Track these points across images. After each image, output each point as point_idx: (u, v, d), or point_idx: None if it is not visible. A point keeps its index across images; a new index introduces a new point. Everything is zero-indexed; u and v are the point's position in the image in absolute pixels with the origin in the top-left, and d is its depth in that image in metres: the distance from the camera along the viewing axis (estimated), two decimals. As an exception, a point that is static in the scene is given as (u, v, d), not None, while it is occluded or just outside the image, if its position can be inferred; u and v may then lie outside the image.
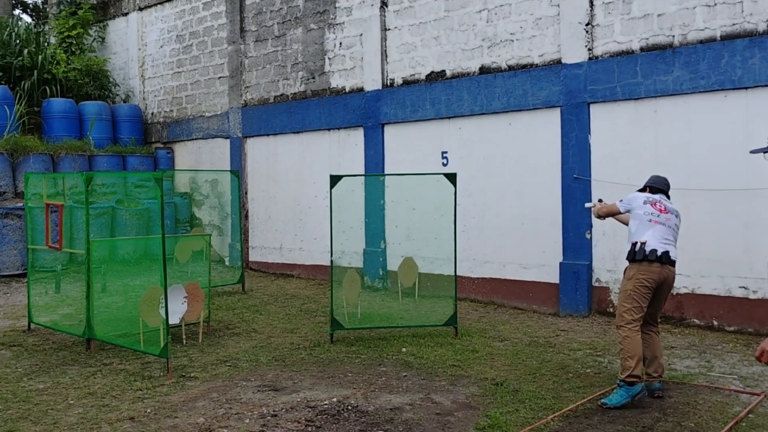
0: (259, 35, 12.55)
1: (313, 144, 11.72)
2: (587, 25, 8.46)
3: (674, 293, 7.78)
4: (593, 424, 4.79)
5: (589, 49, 8.48)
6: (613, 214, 5.77)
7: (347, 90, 11.16)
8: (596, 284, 8.50)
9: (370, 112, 10.72)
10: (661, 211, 5.47)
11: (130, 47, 15.31)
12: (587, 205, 6.45)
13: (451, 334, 7.49)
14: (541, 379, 5.89)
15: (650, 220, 5.38)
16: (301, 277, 11.79)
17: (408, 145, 10.35)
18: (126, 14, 15.37)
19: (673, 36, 7.89)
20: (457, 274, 7.83)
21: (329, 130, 11.44)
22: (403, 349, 6.90)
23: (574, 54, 8.55)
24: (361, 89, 10.91)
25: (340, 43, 11.23)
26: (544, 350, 6.88)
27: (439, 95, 9.84)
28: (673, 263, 5.34)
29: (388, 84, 10.58)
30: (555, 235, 8.77)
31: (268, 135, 12.45)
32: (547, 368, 6.21)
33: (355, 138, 11.05)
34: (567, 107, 8.61)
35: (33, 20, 19.29)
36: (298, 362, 6.50)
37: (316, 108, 11.53)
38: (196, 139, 13.90)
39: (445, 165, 9.80)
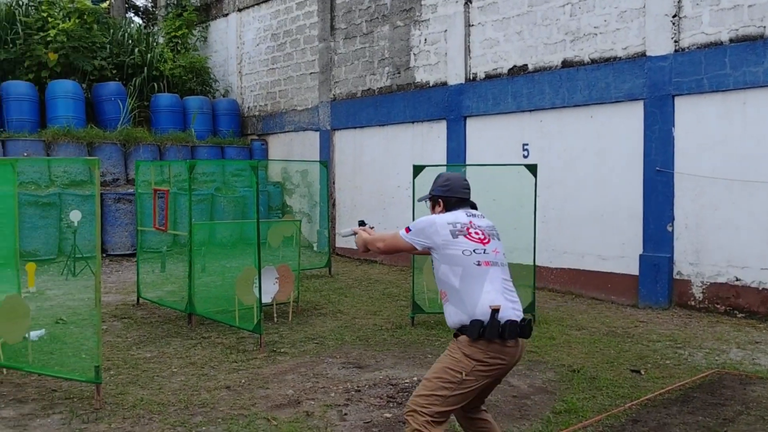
0: (348, 33, 12.67)
1: (397, 136, 11.76)
2: (674, 17, 8.09)
3: (760, 288, 7.37)
4: (672, 414, 4.61)
5: (676, 41, 8.11)
6: (392, 249, 3.53)
7: (431, 84, 11.12)
8: (677, 277, 8.16)
9: (453, 105, 10.65)
10: (482, 240, 3.25)
11: (230, 46, 15.79)
12: (342, 232, 4.05)
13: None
14: (618, 368, 5.72)
15: (478, 263, 3.16)
16: (384, 264, 11.87)
17: (489, 137, 10.22)
18: (226, 15, 15.86)
19: (765, 27, 7.43)
20: (536, 263, 7.69)
21: (413, 122, 11.44)
22: (482, 334, 6.84)
23: (660, 46, 8.20)
24: (445, 83, 10.85)
25: (425, 39, 11.19)
26: (622, 340, 6.67)
27: (521, 89, 9.66)
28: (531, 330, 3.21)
29: (471, 78, 10.47)
30: (635, 227, 8.47)
31: (354, 128, 12.58)
32: (624, 358, 6.02)
33: (438, 130, 11.01)
34: (651, 100, 8.28)
35: (143, 22, 20.19)
36: (380, 342, 6.56)
37: (401, 102, 11.56)
38: (288, 131, 14.21)
39: (525, 157, 9.63)
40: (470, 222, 3.31)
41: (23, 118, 12.39)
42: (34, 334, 6.13)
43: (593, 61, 8.93)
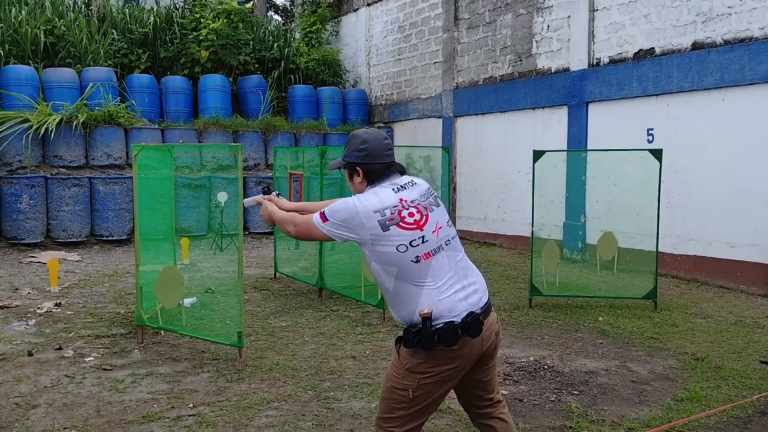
0: (471, 22, 12.48)
1: (518, 122, 11.47)
2: (819, -8, 7.28)
3: None
4: (805, 410, 4.22)
5: (820, 19, 7.29)
6: (305, 237, 2.73)
7: (553, 70, 10.73)
8: (815, 268, 7.40)
9: (575, 91, 10.22)
10: (419, 224, 2.55)
11: (359, 39, 16.04)
12: (245, 201, 3.27)
13: (649, 307, 6.99)
14: (746, 358, 5.28)
15: (417, 259, 2.50)
16: (503, 246, 11.69)
17: (612, 122, 9.72)
18: (356, 10, 16.11)
19: None
20: (659, 250, 7.25)
21: (533, 109, 11.11)
22: (600, 318, 6.58)
23: (802, 24, 7.41)
24: (567, 69, 10.43)
25: (548, 26, 10.80)
26: (752, 330, 6.15)
27: (647, 73, 9.09)
28: (491, 305, 2.73)
29: (594, 63, 9.98)
30: (769, 215, 7.76)
31: (476, 114, 12.41)
32: (754, 348, 5.56)
33: (559, 116, 10.62)
34: (790, 81, 7.51)
35: (282, 19, 20.96)
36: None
37: (522, 88, 11.25)
38: (412, 119, 14.27)
39: (650, 142, 9.07)
40: (400, 201, 2.55)
41: (179, 109, 13.29)
42: (187, 301, 6.61)
43: (726, 43, 8.22)
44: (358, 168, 2.67)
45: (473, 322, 2.49)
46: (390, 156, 2.68)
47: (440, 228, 2.59)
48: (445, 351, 2.47)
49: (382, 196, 2.56)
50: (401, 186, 2.62)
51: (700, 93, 8.50)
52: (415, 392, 2.51)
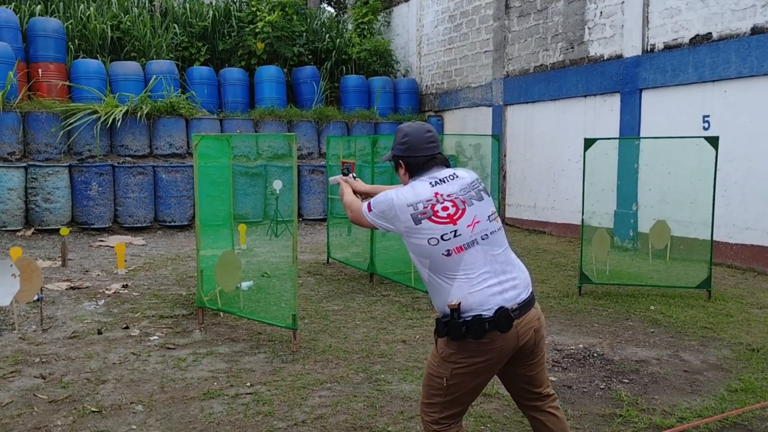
0: (522, 11, 12.22)
1: (569, 110, 11.21)
2: None
3: None
4: None
5: None
6: (357, 223, 2.81)
7: (605, 57, 10.42)
8: None
9: (628, 78, 9.91)
10: (452, 218, 2.52)
11: (410, 29, 15.94)
12: (330, 180, 3.36)
13: (703, 297, 6.76)
14: (805, 351, 5.06)
15: (448, 253, 2.49)
16: (552, 234, 11.49)
17: (666, 109, 9.39)
18: (407, 0, 16.00)
19: None
20: (714, 239, 6.98)
21: (585, 96, 10.83)
22: (652, 307, 6.40)
23: None
24: (620, 56, 10.11)
25: (601, 13, 10.48)
26: (811, 323, 5.89)
27: (704, 58, 8.73)
28: (533, 301, 2.62)
29: (648, 50, 9.65)
30: (832, 204, 7.37)
31: (526, 103, 12.19)
32: (813, 341, 5.32)
33: (611, 104, 10.32)
34: None
35: (334, 11, 21.01)
36: (546, 309, 6.37)
37: (573, 76, 10.97)
38: (462, 107, 14.13)
39: (706, 129, 8.73)
40: (435, 195, 2.54)
41: (237, 100, 13.52)
42: (244, 285, 6.75)
43: (788, 26, 7.81)
44: (400, 161, 2.71)
45: (502, 317, 2.45)
46: (432, 149, 2.68)
47: (477, 222, 2.54)
48: (475, 344, 2.47)
49: (418, 189, 2.58)
50: (440, 180, 2.61)
51: (760, 79, 8.12)
52: (450, 381, 2.52)
